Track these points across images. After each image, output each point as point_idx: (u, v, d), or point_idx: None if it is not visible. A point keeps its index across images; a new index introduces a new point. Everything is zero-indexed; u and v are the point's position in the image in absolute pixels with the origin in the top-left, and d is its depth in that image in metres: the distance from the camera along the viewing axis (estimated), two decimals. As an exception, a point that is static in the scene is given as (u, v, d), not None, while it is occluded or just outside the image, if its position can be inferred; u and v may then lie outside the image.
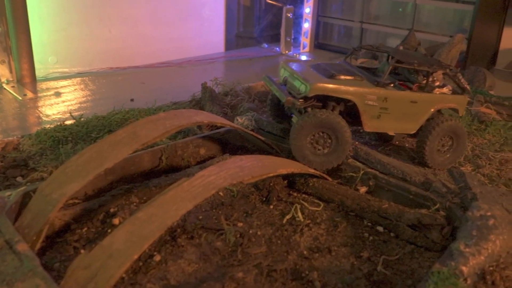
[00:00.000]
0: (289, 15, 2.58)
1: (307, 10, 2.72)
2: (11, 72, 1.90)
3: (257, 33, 2.92)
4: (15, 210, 0.87)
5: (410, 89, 1.22)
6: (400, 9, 2.56)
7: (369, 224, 1.01)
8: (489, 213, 0.83)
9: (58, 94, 1.84)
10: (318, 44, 2.87)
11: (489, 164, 1.29)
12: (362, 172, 1.10)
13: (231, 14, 2.75)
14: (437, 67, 1.21)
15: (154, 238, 0.74)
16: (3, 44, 1.85)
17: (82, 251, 0.87)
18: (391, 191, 1.06)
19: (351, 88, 1.13)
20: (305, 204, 1.06)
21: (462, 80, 1.26)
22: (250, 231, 0.96)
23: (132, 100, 1.78)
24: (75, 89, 1.92)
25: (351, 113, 1.19)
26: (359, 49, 1.37)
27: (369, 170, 1.10)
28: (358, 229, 1.00)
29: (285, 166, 1.01)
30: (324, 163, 1.13)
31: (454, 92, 1.26)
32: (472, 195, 0.95)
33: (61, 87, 1.94)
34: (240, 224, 0.98)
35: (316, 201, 1.09)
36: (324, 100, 1.16)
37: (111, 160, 0.87)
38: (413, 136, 1.30)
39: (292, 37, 2.68)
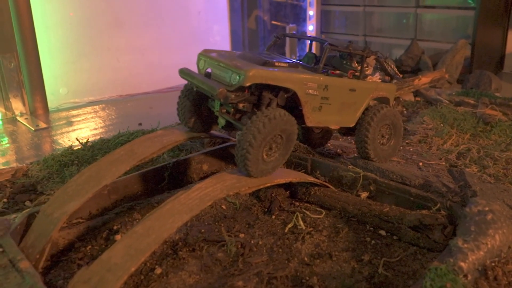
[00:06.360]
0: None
1: (310, 27, 2.77)
2: (24, 105, 1.97)
3: (263, 54, 2.96)
4: (20, 232, 0.89)
5: (342, 76, 1.13)
6: (404, 21, 2.58)
7: (371, 228, 1.01)
8: (487, 208, 0.82)
9: (69, 124, 1.90)
10: (324, 60, 2.90)
11: (494, 164, 1.27)
12: (361, 174, 1.10)
13: (236, 36, 2.81)
14: (369, 51, 1.13)
15: (151, 251, 0.75)
16: (16, 78, 1.92)
17: (85, 268, 0.89)
18: (392, 195, 1.06)
19: (292, 75, 0.98)
20: (307, 212, 1.06)
21: (392, 66, 1.21)
22: (252, 241, 0.96)
23: (140, 124, 1.82)
24: (85, 118, 1.98)
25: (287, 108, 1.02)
26: (282, 37, 1.27)
27: (369, 174, 1.10)
28: (360, 234, 0.99)
29: (283, 176, 1.02)
30: (274, 168, 1.00)
31: (383, 81, 1.21)
32: (472, 192, 0.94)
33: (73, 116, 2.00)
34: (242, 235, 0.99)
35: (318, 209, 1.09)
36: (259, 93, 1.00)
37: (110, 177, 0.89)
38: (345, 134, 1.25)
39: (297, 55, 2.72)
